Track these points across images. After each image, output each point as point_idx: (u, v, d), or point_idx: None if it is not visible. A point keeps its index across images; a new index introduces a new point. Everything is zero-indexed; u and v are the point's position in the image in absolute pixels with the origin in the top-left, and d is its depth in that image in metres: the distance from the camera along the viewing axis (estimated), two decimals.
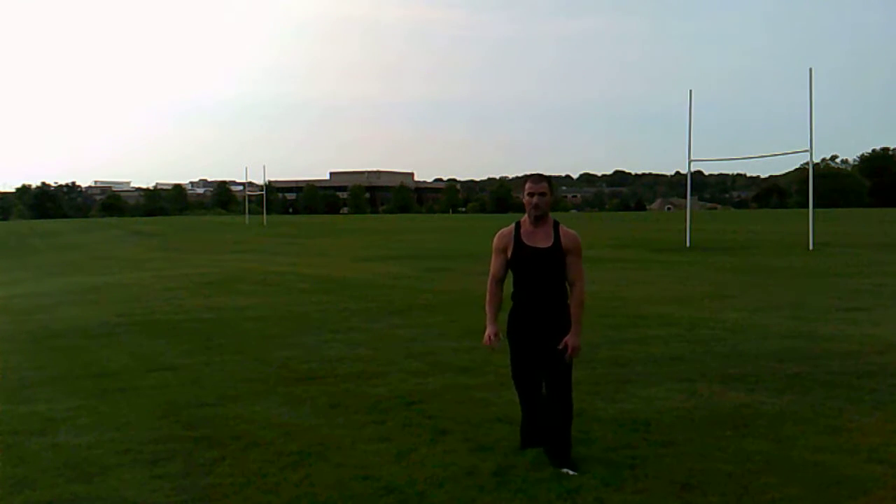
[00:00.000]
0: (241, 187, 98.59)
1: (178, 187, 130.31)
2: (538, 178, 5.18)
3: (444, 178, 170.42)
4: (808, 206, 27.47)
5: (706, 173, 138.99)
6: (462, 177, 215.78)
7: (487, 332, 5.18)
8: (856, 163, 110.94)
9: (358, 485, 4.90)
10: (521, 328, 5.20)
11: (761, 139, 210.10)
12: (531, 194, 5.11)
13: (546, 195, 5.12)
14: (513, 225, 5.24)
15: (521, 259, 5.12)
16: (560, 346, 5.01)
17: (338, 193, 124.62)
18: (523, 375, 5.31)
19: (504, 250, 5.20)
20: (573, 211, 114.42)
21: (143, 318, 12.58)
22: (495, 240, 5.25)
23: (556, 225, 5.18)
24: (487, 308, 5.27)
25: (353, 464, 5.29)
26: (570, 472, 4.93)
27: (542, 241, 5.11)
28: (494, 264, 5.25)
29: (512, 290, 5.24)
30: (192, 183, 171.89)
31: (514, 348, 5.27)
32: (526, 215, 5.20)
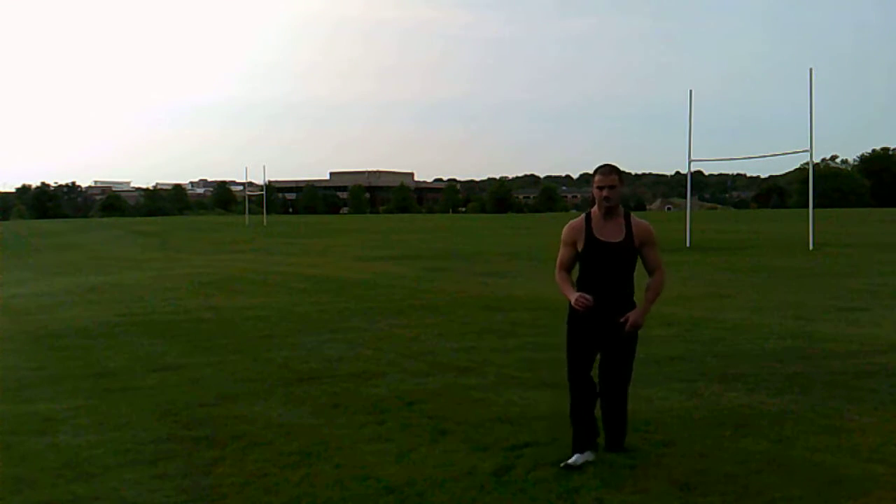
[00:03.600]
0: (241, 187, 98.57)
1: (178, 187, 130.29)
2: (608, 169, 5.11)
3: (444, 178, 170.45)
4: (808, 206, 27.47)
5: (706, 173, 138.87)
6: (462, 177, 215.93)
7: (574, 298, 5.07)
8: (856, 163, 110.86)
9: (358, 485, 4.91)
10: (585, 321, 5.13)
11: (761, 139, 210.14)
12: (601, 187, 5.07)
13: (616, 187, 5.07)
14: (582, 217, 5.20)
15: (593, 253, 5.09)
16: (621, 319, 5.05)
17: (338, 193, 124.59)
18: (583, 373, 5.23)
19: (574, 243, 5.17)
20: (573, 211, 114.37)
21: (143, 318, 12.59)
22: (565, 232, 5.22)
23: (627, 216, 5.15)
24: (563, 287, 5.22)
25: (353, 464, 5.29)
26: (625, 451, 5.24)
27: (615, 234, 5.09)
28: (562, 255, 5.24)
29: (577, 281, 5.24)
30: (192, 183, 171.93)
31: (575, 342, 5.21)
32: (596, 207, 5.16)
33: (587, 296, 5.01)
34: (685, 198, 30.82)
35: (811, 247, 24.90)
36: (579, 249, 5.14)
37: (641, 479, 4.88)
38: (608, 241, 5.07)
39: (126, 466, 5.34)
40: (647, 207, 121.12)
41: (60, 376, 8.34)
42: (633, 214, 5.17)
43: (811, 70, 25.99)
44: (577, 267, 5.35)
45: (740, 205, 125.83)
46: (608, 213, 5.10)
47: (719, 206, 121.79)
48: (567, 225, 5.23)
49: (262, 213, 61.42)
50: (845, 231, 35.17)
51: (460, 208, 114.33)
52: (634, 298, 5.21)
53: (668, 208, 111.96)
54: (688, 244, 28.02)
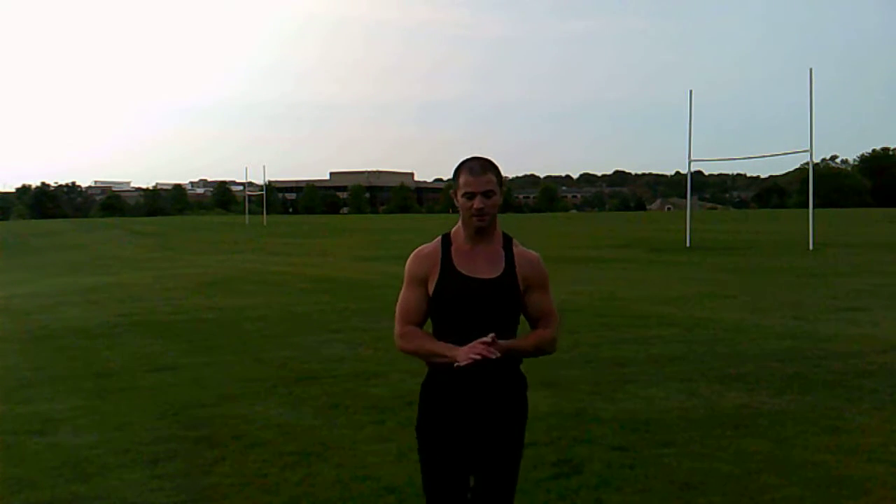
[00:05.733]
0: (241, 187, 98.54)
1: (178, 187, 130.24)
2: (481, 166, 3.17)
3: (444, 178, 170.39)
4: (808, 206, 27.47)
5: (706, 173, 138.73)
6: None
7: (462, 352, 3.02)
8: (856, 163, 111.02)
9: (358, 485, 4.90)
10: (446, 414, 3.17)
11: (761, 139, 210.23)
12: (469, 193, 3.13)
13: (494, 195, 3.15)
14: (438, 240, 3.27)
15: (452, 295, 3.14)
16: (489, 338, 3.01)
17: (338, 193, 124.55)
18: (448, 492, 3.19)
19: (424, 281, 3.21)
20: (573, 211, 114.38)
21: (143, 318, 12.59)
22: (410, 263, 3.26)
23: (508, 242, 3.27)
24: (421, 345, 3.17)
25: (353, 464, 5.29)
26: None
27: (487, 266, 3.17)
28: (405, 300, 3.25)
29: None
30: (192, 183, 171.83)
31: (432, 447, 3.20)
32: (459, 224, 3.25)
33: (485, 340, 3.02)
34: (685, 198, 30.84)
35: (811, 247, 24.91)
36: (430, 291, 3.20)
37: (641, 479, 4.88)
38: (476, 277, 3.14)
39: (126, 466, 5.34)
40: (647, 207, 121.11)
41: (60, 376, 8.34)
42: (516, 242, 3.30)
43: (811, 70, 26.07)
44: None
45: (740, 205, 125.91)
46: (479, 233, 3.18)
47: (719, 206, 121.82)
48: (414, 252, 3.29)
49: (262, 213, 61.43)
50: (845, 231, 35.18)
51: None
52: (522, 369, 3.26)
53: (668, 208, 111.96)
54: (688, 244, 28.03)
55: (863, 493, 4.64)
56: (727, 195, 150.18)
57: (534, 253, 3.31)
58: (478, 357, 2.98)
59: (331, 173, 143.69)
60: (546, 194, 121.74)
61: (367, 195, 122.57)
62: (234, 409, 6.76)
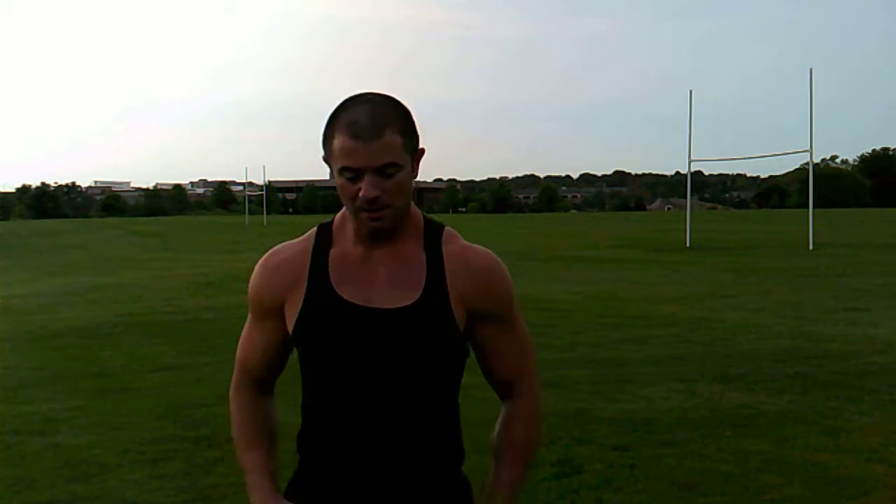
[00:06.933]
0: (241, 187, 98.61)
1: (178, 187, 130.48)
2: (370, 123, 1.70)
3: (444, 179, 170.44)
4: (808, 206, 27.46)
5: (706, 173, 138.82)
6: (462, 177, 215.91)
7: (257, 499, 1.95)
8: (856, 163, 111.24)
9: None
10: None
11: (761, 139, 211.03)
12: (352, 172, 1.77)
13: (399, 170, 1.74)
14: (310, 235, 1.98)
15: (322, 340, 1.90)
16: None
17: (338, 194, 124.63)
18: None
19: (275, 310, 2.02)
20: (573, 211, 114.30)
21: (143, 318, 12.58)
22: (255, 277, 2.08)
23: (432, 236, 1.87)
24: (239, 444, 2.14)
25: None
26: None
27: (390, 285, 1.81)
28: (244, 342, 2.16)
29: (301, 422, 2.12)
30: (192, 183, 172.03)
31: None
32: (343, 212, 1.94)
33: None
34: (685, 198, 30.84)
35: (811, 247, 24.89)
36: (290, 325, 1.99)
37: (641, 479, 4.88)
38: (370, 307, 1.79)
39: (126, 466, 5.34)
40: (647, 207, 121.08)
41: (60, 376, 8.34)
42: (451, 232, 1.90)
43: (811, 70, 26.04)
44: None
45: (740, 205, 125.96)
46: (375, 236, 1.84)
47: (719, 206, 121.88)
48: (263, 258, 2.05)
49: (263, 213, 61.41)
50: (845, 231, 35.18)
51: (460, 208, 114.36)
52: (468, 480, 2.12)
53: (668, 208, 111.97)
54: (688, 244, 28.02)
55: (863, 493, 4.64)
56: (727, 195, 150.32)
57: (483, 250, 1.89)
58: None
59: (331, 173, 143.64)
60: (546, 194, 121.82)
61: None
62: None
